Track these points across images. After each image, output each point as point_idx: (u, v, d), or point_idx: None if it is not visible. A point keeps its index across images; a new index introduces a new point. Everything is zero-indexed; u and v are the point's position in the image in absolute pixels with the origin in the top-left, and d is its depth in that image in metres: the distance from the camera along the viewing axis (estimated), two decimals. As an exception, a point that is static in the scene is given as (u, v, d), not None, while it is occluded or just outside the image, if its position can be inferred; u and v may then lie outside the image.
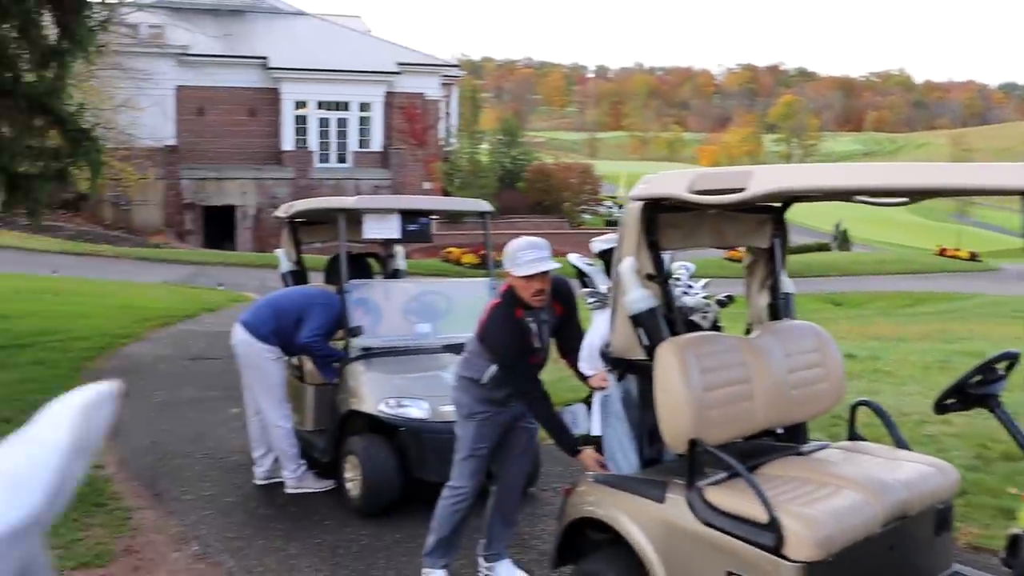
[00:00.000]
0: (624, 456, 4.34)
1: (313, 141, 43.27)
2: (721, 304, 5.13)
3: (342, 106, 43.74)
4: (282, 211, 8.10)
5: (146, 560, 5.56)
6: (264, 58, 42.16)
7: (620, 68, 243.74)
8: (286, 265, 8.01)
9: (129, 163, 32.95)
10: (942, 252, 53.33)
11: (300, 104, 43.03)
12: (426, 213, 7.38)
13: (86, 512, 6.14)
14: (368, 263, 8.11)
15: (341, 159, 43.99)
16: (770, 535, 3.47)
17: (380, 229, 7.04)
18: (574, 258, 5.12)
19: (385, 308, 7.20)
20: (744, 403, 4.12)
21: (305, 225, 8.26)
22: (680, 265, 5.10)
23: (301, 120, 43.17)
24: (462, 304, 7.20)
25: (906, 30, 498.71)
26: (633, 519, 4.02)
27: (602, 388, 4.69)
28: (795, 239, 52.51)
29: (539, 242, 4.70)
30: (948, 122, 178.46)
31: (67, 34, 9.58)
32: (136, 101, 31.20)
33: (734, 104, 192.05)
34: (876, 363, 12.16)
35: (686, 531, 3.80)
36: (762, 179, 3.61)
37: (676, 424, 3.92)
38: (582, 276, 5.03)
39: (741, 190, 3.59)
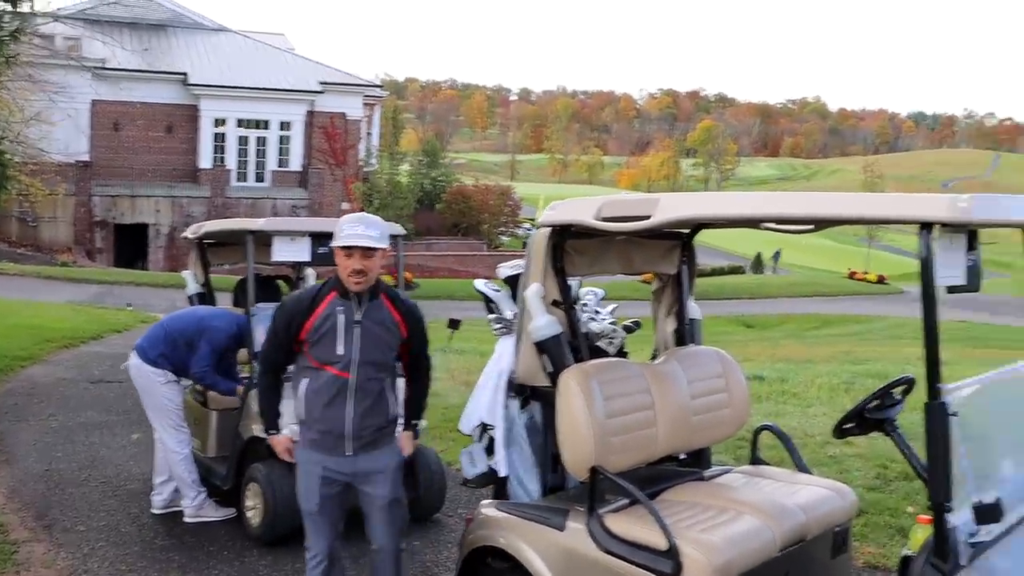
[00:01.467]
0: (527, 483, 4.30)
1: (231, 159, 42.62)
2: (628, 330, 5.12)
3: (262, 124, 43.22)
4: (190, 232, 7.91)
5: (31, 596, 5.32)
6: (184, 74, 41.53)
7: (543, 91, 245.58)
8: (193, 287, 7.82)
9: (38, 178, 32.06)
10: (851, 275, 54.73)
11: (219, 122, 42.41)
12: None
13: (-32, 546, 5.86)
14: (278, 286, 7.96)
15: (259, 178, 43.43)
16: (669, 562, 3.47)
17: (290, 252, 6.88)
18: (479, 283, 5.04)
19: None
20: (647, 429, 4.11)
21: (214, 246, 8.08)
22: (588, 290, 5.08)
23: (220, 138, 42.55)
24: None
25: (822, 58, 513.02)
26: (533, 547, 3.97)
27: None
28: (712, 262, 53.34)
29: (371, 219, 4.26)
30: (861, 149, 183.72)
31: (-27, 44, 9.26)
32: (48, 115, 30.29)
33: (654, 128, 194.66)
34: (784, 385, 12.29)
35: (586, 559, 3.77)
36: (667, 207, 3.62)
37: (578, 451, 3.89)
38: (488, 302, 4.95)
39: (647, 218, 3.61)
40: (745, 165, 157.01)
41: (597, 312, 5.03)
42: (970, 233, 3.08)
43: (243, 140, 43.01)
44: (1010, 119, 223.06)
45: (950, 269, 3.01)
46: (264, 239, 6.91)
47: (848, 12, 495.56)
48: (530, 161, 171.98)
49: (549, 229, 4.13)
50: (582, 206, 4.00)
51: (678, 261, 4.72)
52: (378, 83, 53.94)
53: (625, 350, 4.95)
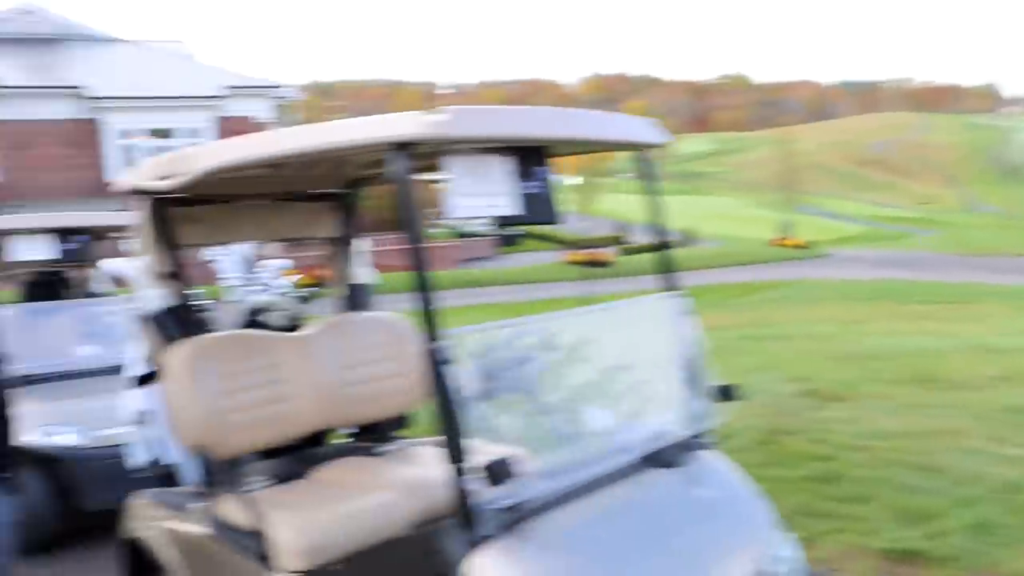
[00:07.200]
0: (186, 468, 4.05)
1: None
2: (304, 300, 4.89)
3: (168, 133, 42.26)
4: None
5: None
6: (83, 87, 40.44)
7: (476, 83, 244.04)
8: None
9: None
10: (776, 242, 54.98)
11: (124, 133, 41.44)
12: (86, 231, 6.88)
13: None
14: (56, 285, 7.65)
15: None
16: (259, 545, 3.26)
17: (31, 250, 6.58)
18: (110, 263, 4.79)
19: (43, 332, 6.74)
20: (279, 405, 3.88)
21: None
22: (271, 263, 4.87)
23: (126, 150, 41.51)
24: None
25: (743, 34, 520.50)
26: (163, 534, 3.77)
27: None
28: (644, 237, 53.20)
29: None
30: (793, 119, 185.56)
31: None
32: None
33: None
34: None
35: (200, 543, 3.58)
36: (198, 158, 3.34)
37: (187, 431, 3.66)
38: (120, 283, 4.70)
39: (186, 175, 3.34)
40: (680, 141, 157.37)
41: (267, 285, 4.80)
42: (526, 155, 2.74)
43: (150, 150, 42.03)
44: (931, 82, 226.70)
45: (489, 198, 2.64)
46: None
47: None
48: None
49: (150, 199, 3.84)
50: (140, 170, 3.73)
51: (340, 224, 4.48)
52: (286, 85, 52.81)
53: (299, 322, 4.67)
